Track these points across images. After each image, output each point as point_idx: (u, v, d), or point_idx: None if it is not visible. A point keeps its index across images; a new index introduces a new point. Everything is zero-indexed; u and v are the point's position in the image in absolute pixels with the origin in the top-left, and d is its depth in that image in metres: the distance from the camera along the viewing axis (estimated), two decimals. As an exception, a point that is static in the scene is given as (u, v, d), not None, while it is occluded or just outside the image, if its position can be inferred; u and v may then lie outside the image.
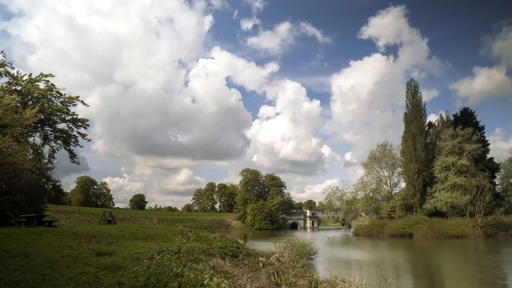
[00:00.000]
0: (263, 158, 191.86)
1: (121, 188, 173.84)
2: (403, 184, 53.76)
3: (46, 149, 33.73)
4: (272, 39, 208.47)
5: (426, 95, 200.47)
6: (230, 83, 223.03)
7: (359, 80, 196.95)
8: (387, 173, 56.01)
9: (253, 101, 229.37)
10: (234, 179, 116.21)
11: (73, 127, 34.85)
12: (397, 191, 54.56)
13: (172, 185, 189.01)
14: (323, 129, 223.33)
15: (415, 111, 50.69)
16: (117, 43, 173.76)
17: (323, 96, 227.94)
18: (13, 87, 30.41)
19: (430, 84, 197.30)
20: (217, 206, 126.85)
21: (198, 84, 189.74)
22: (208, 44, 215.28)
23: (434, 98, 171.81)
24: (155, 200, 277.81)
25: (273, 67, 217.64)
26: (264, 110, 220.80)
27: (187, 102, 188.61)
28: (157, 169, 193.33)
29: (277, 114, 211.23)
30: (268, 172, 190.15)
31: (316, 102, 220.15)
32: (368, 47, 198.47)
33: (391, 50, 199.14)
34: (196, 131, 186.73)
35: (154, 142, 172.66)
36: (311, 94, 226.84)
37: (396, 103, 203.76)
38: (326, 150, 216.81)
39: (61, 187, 32.95)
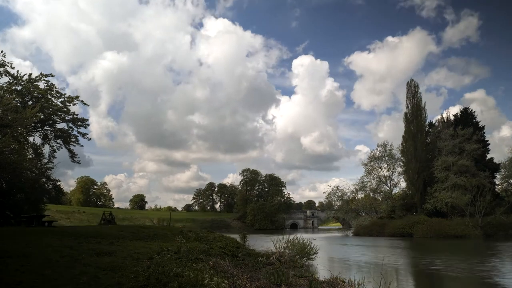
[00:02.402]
0: (275, 151, 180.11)
1: (124, 185, 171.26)
2: (403, 184, 53.87)
3: (46, 148, 33.76)
4: (296, 11, 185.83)
5: (477, 74, 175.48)
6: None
7: (392, 60, 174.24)
8: (387, 173, 56.05)
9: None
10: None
11: (73, 127, 34.86)
12: (397, 191, 54.64)
13: (175, 182, 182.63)
14: (345, 117, 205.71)
15: (415, 111, 50.72)
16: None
17: (348, 79, 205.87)
18: (13, 87, 30.42)
19: (481, 61, 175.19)
20: (217, 206, 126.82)
21: (212, 56, 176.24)
22: (222, 14, 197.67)
23: (483, 79, 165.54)
24: (159, 198, 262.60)
25: (292, 44, 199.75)
26: (279, 98, 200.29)
27: (199, 75, 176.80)
28: (162, 164, 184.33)
29: (294, 101, 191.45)
30: (280, 167, 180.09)
31: (338, 86, 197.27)
32: (407, 21, 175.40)
33: (434, 26, 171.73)
34: (211, 115, 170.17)
35: (160, 129, 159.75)
36: (335, 77, 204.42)
37: (431, 85, 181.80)
38: (345, 142, 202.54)
39: (61, 187, 32.97)
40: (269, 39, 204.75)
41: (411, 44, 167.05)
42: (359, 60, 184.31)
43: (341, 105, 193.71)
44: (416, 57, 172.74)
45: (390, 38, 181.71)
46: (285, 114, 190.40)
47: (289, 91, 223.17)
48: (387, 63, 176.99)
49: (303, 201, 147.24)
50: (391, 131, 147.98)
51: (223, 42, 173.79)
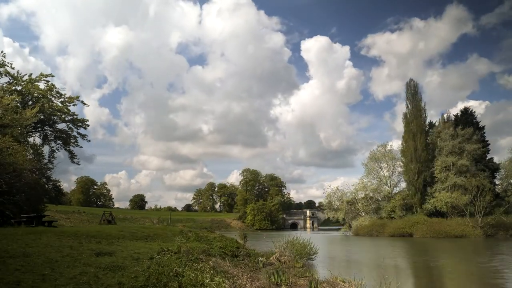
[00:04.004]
0: (286, 146, 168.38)
1: (125, 184, 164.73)
2: (403, 184, 53.87)
3: (46, 149, 33.80)
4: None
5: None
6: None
7: (418, 41, 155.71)
8: (387, 173, 56.02)
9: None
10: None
11: (73, 127, 34.87)
12: (397, 191, 54.60)
13: (177, 180, 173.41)
14: (362, 107, 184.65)
15: (415, 111, 50.70)
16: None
17: (367, 64, 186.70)
18: (13, 87, 30.44)
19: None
20: (217, 206, 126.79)
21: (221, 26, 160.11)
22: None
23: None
24: (162, 197, 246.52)
25: (309, 25, 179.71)
26: (292, 86, 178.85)
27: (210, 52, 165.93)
28: (166, 161, 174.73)
29: (309, 89, 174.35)
30: (289, 163, 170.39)
31: (356, 73, 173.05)
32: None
33: (473, 5, 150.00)
34: (221, 103, 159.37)
35: (166, 119, 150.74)
36: (353, 62, 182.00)
37: (459, 71, 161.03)
38: (362, 136, 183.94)
39: (61, 188, 32.98)
40: (284, 19, 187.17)
41: (443, 24, 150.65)
42: (381, 42, 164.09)
43: (358, 96, 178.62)
44: (448, 38, 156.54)
45: (417, 19, 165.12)
46: (299, 105, 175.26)
47: (304, 78, 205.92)
48: (412, 44, 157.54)
49: (312, 199, 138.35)
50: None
51: (236, 18, 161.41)
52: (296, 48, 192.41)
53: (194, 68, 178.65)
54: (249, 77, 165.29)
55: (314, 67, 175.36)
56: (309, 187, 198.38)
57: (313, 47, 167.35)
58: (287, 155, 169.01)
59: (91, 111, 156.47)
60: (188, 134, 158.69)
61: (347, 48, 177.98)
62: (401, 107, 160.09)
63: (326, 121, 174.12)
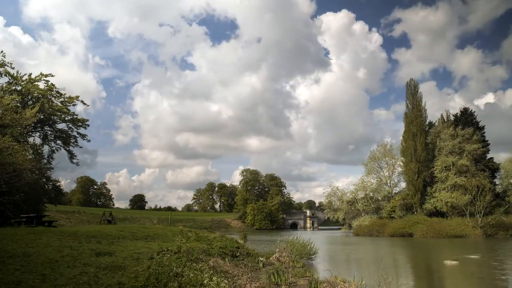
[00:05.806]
0: (297, 142, 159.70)
1: (127, 182, 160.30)
2: (403, 184, 53.97)
3: (46, 149, 33.79)
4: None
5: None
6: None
7: (457, 17, 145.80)
8: (387, 173, 56.07)
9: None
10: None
11: (72, 127, 34.84)
12: (397, 191, 54.67)
13: (180, 177, 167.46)
14: (386, 95, 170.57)
15: (415, 111, 50.73)
16: None
17: (392, 44, 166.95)
18: (13, 87, 30.43)
19: None
20: (217, 206, 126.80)
21: None
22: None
23: None
24: (165, 195, 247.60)
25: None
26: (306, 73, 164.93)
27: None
28: (168, 159, 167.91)
29: (328, 76, 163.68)
30: (301, 160, 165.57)
31: (382, 57, 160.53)
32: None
33: None
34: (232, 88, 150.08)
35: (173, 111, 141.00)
36: (376, 42, 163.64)
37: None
38: (382, 129, 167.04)
39: (61, 188, 32.99)
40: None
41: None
42: (410, 18, 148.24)
43: (379, 83, 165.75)
44: (493, 11, 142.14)
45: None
46: (317, 91, 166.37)
47: (322, 63, 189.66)
48: (447, 20, 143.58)
49: (315, 199, 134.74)
50: (437, 109, 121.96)
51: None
52: (311, 30, 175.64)
53: (210, 43, 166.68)
54: (271, 53, 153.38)
55: (333, 48, 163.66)
56: (320, 185, 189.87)
57: (333, 25, 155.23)
58: (299, 151, 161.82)
59: (88, 97, 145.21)
60: (200, 123, 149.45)
61: (370, 26, 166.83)
62: (429, 93, 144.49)
63: (343, 110, 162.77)
